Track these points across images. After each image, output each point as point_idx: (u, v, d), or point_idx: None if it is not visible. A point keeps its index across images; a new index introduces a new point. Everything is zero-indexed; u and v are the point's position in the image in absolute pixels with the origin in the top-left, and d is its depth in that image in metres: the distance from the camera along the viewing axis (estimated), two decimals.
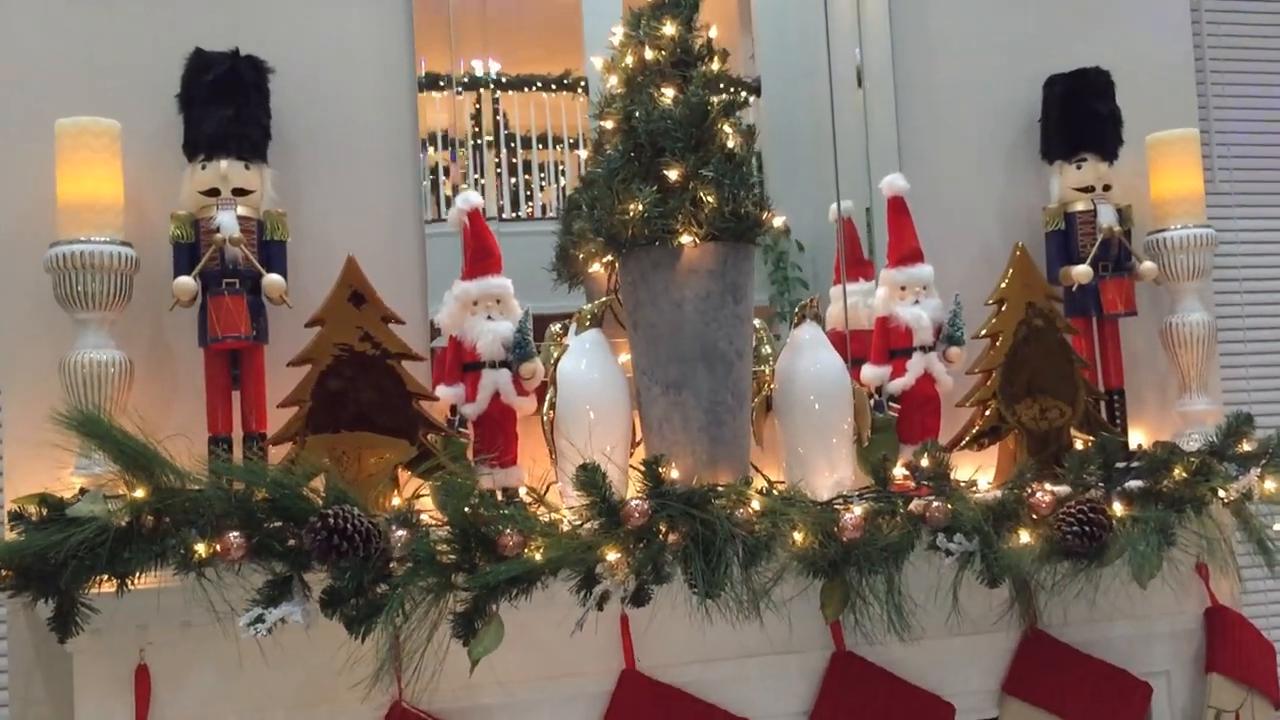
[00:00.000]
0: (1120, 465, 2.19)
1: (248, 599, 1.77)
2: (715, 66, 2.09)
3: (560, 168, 2.44)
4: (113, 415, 1.91)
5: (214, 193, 1.97)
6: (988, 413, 2.25)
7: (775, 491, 2.02)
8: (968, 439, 2.26)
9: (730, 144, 2.04)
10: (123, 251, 1.93)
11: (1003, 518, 2.07)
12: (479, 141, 2.36)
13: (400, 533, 1.81)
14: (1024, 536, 2.07)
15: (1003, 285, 2.29)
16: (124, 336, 2.03)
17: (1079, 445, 2.27)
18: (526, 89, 2.43)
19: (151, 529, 1.78)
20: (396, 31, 2.26)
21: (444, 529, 1.83)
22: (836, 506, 2.00)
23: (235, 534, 1.77)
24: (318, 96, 2.20)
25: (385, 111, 2.24)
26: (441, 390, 2.07)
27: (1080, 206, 2.41)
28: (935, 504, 2.02)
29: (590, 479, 1.87)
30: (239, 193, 1.98)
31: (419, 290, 2.22)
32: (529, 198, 2.41)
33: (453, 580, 1.81)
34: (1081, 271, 2.36)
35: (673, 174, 1.99)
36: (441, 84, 2.30)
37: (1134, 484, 2.19)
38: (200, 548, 1.76)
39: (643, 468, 1.91)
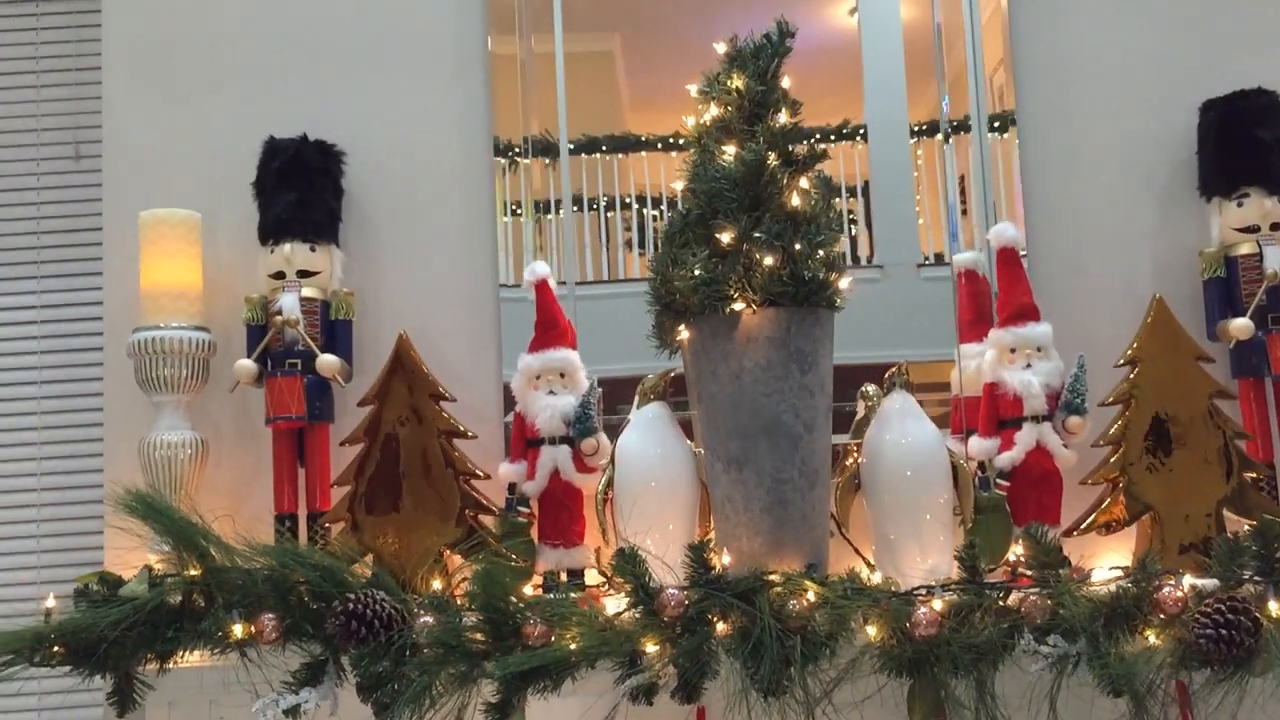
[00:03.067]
0: None
1: (280, 681, 1.78)
2: (783, 119, 1.95)
3: None
4: (186, 495, 1.98)
5: (281, 275, 2.03)
6: (1117, 492, 1.95)
7: (849, 581, 1.83)
8: (1088, 522, 1.97)
9: (796, 202, 1.89)
10: (197, 336, 2.01)
11: (1119, 616, 1.78)
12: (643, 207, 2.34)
13: (425, 618, 1.76)
14: (1151, 638, 1.78)
15: (1135, 344, 1.98)
16: (212, 416, 2.12)
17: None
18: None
19: (202, 608, 1.83)
20: (474, 103, 2.26)
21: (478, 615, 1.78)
22: (916, 598, 1.79)
23: (269, 616, 1.79)
24: (396, 174, 2.24)
25: (462, 183, 2.24)
26: (504, 468, 2.02)
27: (1244, 249, 2.07)
28: (1032, 598, 1.77)
29: (627, 564, 1.76)
30: (305, 274, 2.03)
31: (495, 362, 2.19)
32: None
33: (480, 668, 1.75)
34: (1240, 326, 2.01)
35: (725, 237, 1.86)
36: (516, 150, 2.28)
37: None
38: (238, 629, 1.79)
39: (689, 552, 1.79)
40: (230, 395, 2.12)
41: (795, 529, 1.86)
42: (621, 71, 2.36)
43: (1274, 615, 1.79)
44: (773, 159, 1.89)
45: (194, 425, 2.05)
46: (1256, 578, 1.83)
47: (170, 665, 1.81)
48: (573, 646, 1.74)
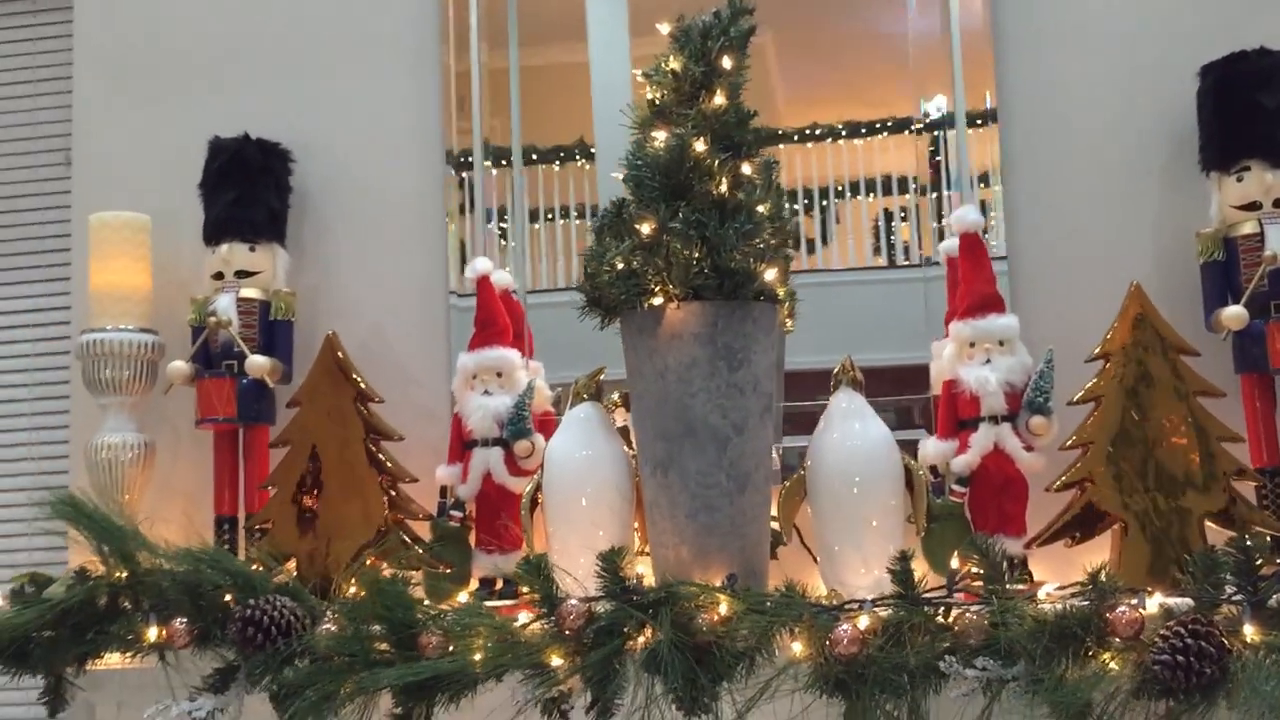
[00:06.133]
0: (1270, 573, 1.63)
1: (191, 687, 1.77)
2: (718, 102, 1.83)
3: None
4: (128, 496, 1.99)
5: (221, 276, 2.02)
6: (1083, 499, 1.77)
7: (783, 593, 1.71)
8: (1051, 532, 1.79)
9: (725, 189, 1.77)
10: (141, 338, 2.02)
11: (1066, 637, 1.60)
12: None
13: (328, 626, 1.72)
14: (1109, 663, 1.60)
15: (1109, 337, 1.79)
16: (170, 418, 2.13)
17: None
18: None
19: (130, 611, 1.82)
20: (428, 106, 2.22)
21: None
22: (840, 613, 1.65)
23: (181, 620, 1.77)
24: (350, 176, 2.22)
25: (416, 186, 2.20)
26: (440, 470, 1.96)
27: (1245, 229, 1.85)
28: (968, 615, 1.61)
29: (532, 573, 1.68)
30: (245, 274, 2.01)
31: (446, 361, 2.13)
32: None
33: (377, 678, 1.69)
34: (1233, 315, 1.80)
35: (645, 227, 1.76)
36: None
37: None
38: (151, 632, 1.78)
39: (600, 561, 1.69)
40: (186, 397, 2.12)
41: (722, 536, 1.74)
42: (774, 66, 2.28)
43: (1250, 640, 1.60)
44: (700, 144, 1.78)
45: (149, 426, 2.07)
46: (1235, 597, 1.64)
47: (90, 667, 1.82)
48: (476, 657, 1.68)
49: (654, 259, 1.75)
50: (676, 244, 1.73)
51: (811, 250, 2.22)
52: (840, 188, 2.21)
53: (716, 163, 1.78)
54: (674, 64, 1.85)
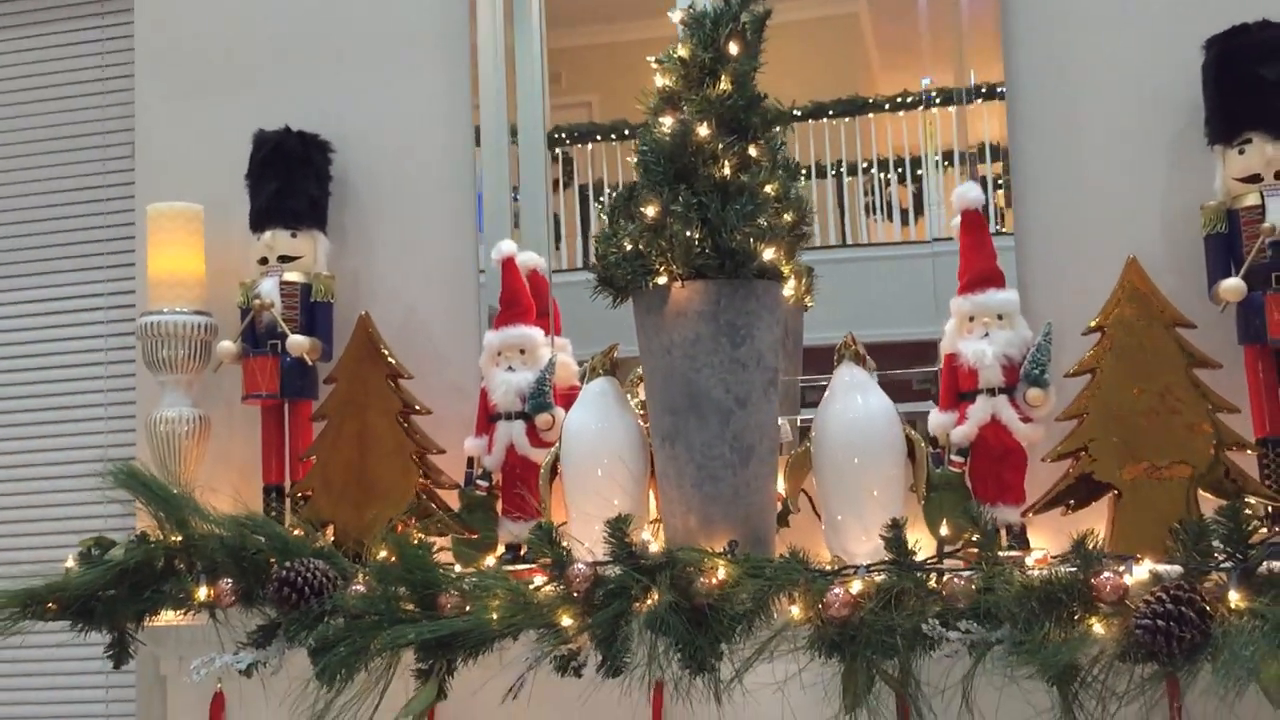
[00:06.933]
0: (1259, 541, 1.66)
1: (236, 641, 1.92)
2: (723, 87, 1.90)
3: None
4: (186, 467, 2.15)
5: (266, 261, 2.15)
6: (1076, 469, 1.81)
7: (788, 560, 1.78)
8: (1047, 500, 1.83)
9: (728, 173, 1.85)
10: (195, 320, 2.17)
11: (1052, 601, 1.66)
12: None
13: (357, 586, 1.84)
14: (1097, 628, 1.65)
15: (1104, 310, 1.82)
16: (226, 394, 2.27)
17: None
18: None
19: (182, 571, 1.98)
20: (458, 91, 2.32)
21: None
22: (834, 578, 1.73)
23: (227, 580, 1.92)
24: (389, 163, 2.34)
25: (448, 169, 2.31)
26: (468, 443, 2.08)
27: (1248, 201, 1.85)
28: (955, 580, 1.68)
29: (544, 539, 1.79)
30: (287, 259, 2.15)
31: (478, 339, 2.24)
32: None
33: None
34: (1229, 287, 1.81)
35: (649, 210, 1.84)
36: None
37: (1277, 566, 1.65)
38: (202, 592, 1.93)
39: (606, 528, 1.79)
40: (241, 375, 2.27)
41: (726, 505, 1.83)
42: (869, 33, 2.32)
43: (1235, 606, 1.63)
44: (704, 129, 1.85)
45: (204, 402, 2.22)
46: (1223, 564, 1.67)
47: (149, 623, 1.98)
48: (492, 616, 1.79)
49: (658, 240, 1.84)
50: (678, 225, 1.82)
51: (905, 221, 2.24)
52: (935, 157, 2.20)
53: (720, 146, 1.86)
54: (683, 51, 1.94)
